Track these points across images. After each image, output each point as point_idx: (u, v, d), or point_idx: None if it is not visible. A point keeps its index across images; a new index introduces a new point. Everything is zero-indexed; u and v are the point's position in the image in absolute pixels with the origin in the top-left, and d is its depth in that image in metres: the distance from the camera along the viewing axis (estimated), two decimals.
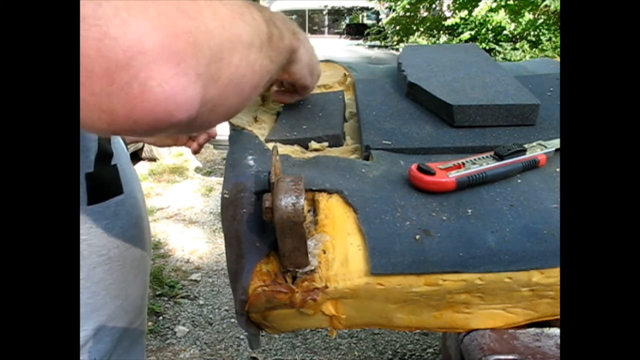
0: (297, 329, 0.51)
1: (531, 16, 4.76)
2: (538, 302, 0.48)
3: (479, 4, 4.50)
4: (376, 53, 6.00)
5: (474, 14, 4.54)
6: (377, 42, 6.26)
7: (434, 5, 5.88)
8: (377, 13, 7.04)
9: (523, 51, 4.61)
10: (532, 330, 0.49)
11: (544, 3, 4.26)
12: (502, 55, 4.73)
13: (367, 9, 7.14)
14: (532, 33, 4.67)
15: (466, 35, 4.96)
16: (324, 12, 7.16)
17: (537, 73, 0.81)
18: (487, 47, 4.94)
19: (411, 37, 6.10)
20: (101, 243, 0.61)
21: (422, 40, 6.06)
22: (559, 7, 4.25)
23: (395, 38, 6.10)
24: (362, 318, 0.49)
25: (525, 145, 0.56)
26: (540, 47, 4.58)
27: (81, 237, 0.58)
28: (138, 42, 0.28)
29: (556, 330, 0.48)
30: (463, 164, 0.53)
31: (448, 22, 4.94)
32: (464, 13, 4.70)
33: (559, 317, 0.49)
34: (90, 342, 0.61)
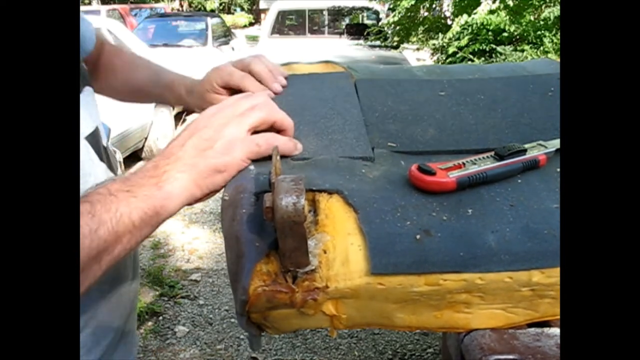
0: (297, 329, 0.51)
1: (532, 17, 4.75)
2: (538, 302, 0.48)
3: (478, 8, 4.48)
4: (377, 53, 6.01)
5: (474, 17, 4.52)
6: (378, 43, 6.26)
7: (434, 5, 5.87)
8: (377, 13, 7.05)
9: (525, 52, 4.60)
10: (532, 330, 0.49)
11: (544, 14, 4.26)
12: (503, 57, 4.71)
13: (367, 9, 7.15)
14: (532, 35, 4.65)
15: (466, 39, 4.94)
16: (324, 12, 7.17)
17: (537, 73, 0.81)
18: (488, 49, 4.93)
19: (412, 37, 6.09)
20: None
21: (423, 42, 6.05)
22: (557, 14, 4.24)
23: (396, 38, 6.10)
24: (362, 318, 0.49)
25: (526, 146, 0.56)
26: (542, 48, 4.57)
27: None
28: None
29: (556, 330, 0.48)
30: (463, 164, 0.53)
31: (449, 34, 4.91)
32: (463, 19, 4.67)
33: (559, 317, 0.49)
34: None
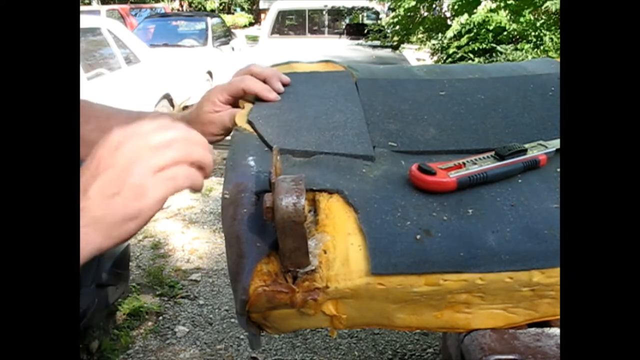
0: (297, 329, 0.51)
1: (532, 17, 4.74)
2: (539, 302, 0.48)
3: (478, 7, 4.48)
4: (377, 53, 6.01)
5: (474, 17, 4.51)
6: (378, 43, 6.26)
7: (434, 5, 5.86)
8: (377, 13, 7.04)
9: (525, 51, 4.60)
10: (532, 330, 0.49)
11: (545, 5, 4.25)
12: (503, 56, 4.71)
13: (367, 9, 7.14)
14: (532, 34, 4.65)
15: (466, 38, 4.93)
16: (324, 12, 7.17)
17: (537, 73, 0.81)
18: (488, 48, 4.92)
19: (412, 37, 6.08)
20: None
21: (423, 42, 6.05)
22: (558, 7, 4.23)
23: (396, 38, 6.10)
24: (362, 318, 0.49)
25: (526, 146, 0.56)
26: (542, 47, 4.57)
27: None
28: None
29: (556, 330, 0.48)
30: (464, 164, 0.53)
31: (449, 33, 4.90)
32: (464, 18, 4.66)
33: (559, 317, 0.49)
34: None
